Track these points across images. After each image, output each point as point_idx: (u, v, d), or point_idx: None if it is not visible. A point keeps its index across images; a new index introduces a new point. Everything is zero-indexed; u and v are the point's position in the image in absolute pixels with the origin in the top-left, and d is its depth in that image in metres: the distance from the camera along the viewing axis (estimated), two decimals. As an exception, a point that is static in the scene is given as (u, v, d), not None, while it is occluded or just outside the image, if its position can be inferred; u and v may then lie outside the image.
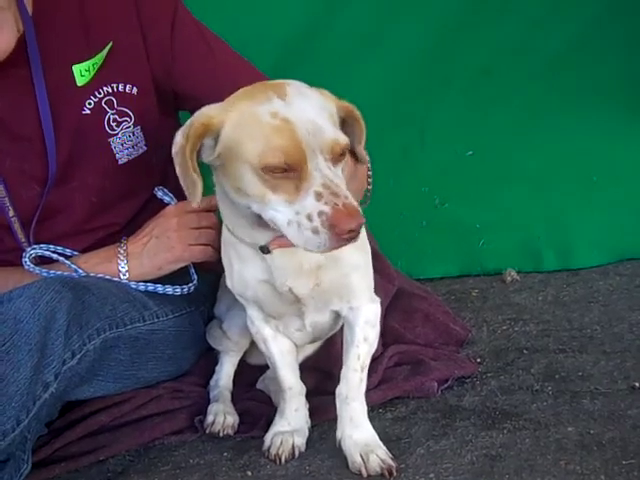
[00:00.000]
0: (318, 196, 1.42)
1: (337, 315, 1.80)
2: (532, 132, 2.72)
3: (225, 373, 2.07)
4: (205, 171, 1.98)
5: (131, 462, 1.88)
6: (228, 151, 1.49)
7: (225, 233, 1.72)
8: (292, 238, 1.46)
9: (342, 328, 1.83)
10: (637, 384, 1.93)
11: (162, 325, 1.97)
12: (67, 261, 1.92)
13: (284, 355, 1.82)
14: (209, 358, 2.13)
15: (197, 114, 1.53)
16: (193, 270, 1.98)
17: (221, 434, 1.91)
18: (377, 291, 2.22)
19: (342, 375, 1.76)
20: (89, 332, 1.75)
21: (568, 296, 2.52)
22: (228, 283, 1.77)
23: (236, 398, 2.04)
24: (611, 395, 1.90)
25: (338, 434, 1.76)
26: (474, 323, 2.40)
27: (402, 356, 2.12)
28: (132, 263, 1.90)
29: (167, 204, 1.96)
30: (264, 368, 2.02)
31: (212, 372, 2.08)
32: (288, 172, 1.44)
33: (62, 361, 1.68)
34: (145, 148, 1.99)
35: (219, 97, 1.76)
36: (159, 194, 1.98)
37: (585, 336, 2.23)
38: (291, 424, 1.82)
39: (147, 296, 1.95)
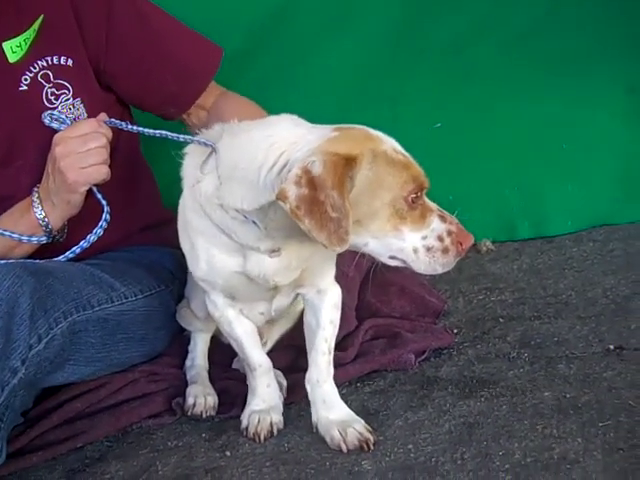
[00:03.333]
0: (442, 219, 1.55)
1: (296, 296, 1.82)
2: (501, 103, 2.71)
3: (199, 352, 2.06)
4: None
5: (109, 447, 1.86)
6: (363, 189, 1.48)
7: (193, 222, 1.67)
8: (419, 264, 1.55)
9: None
10: (612, 347, 1.94)
11: (131, 305, 1.95)
12: None
13: (249, 335, 1.81)
14: (183, 339, 2.12)
15: (308, 156, 1.46)
16: (100, 196, 1.87)
17: (203, 415, 1.91)
18: (351, 266, 2.23)
19: (311, 360, 1.77)
20: (55, 315, 1.73)
21: (543, 264, 2.53)
22: (192, 269, 1.75)
23: (213, 378, 2.03)
24: (586, 359, 1.91)
25: (314, 418, 1.76)
26: (450, 294, 2.40)
27: (378, 329, 2.12)
28: (46, 207, 1.84)
29: (57, 131, 1.85)
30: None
31: (186, 352, 2.07)
32: (419, 199, 1.52)
33: (29, 346, 1.66)
34: None
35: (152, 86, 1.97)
36: (46, 121, 1.86)
37: (560, 302, 2.24)
38: (265, 401, 1.82)
39: (113, 277, 1.93)
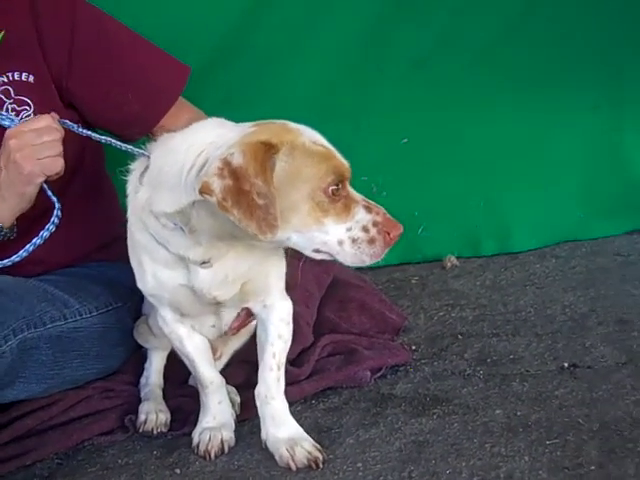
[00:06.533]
0: (368, 209, 1.52)
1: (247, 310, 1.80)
2: (467, 119, 2.73)
3: (154, 370, 2.04)
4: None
5: (59, 465, 1.85)
6: (281, 182, 1.46)
7: (136, 236, 1.67)
8: (345, 256, 1.52)
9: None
10: (566, 364, 1.95)
11: (86, 323, 1.93)
12: None
13: (201, 351, 1.80)
14: (140, 356, 2.10)
15: (223, 150, 1.46)
16: (50, 193, 1.81)
17: (154, 432, 1.89)
18: (311, 282, 2.21)
19: (259, 375, 1.75)
20: (4, 333, 1.72)
21: (505, 280, 2.54)
22: (139, 284, 1.73)
23: (168, 395, 2.01)
24: (540, 376, 1.92)
25: (263, 435, 1.74)
26: (412, 311, 2.40)
27: (336, 346, 2.12)
28: None
29: (7, 128, 1.82)
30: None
31: (143, 370, 2.06)
32: (341, 191, 1.50)
33: None
34: None
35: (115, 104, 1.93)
36: None
37: (519, 319, 2.24)
38: (216, 418, 1.80)
39: (68, 294, 1.91)
